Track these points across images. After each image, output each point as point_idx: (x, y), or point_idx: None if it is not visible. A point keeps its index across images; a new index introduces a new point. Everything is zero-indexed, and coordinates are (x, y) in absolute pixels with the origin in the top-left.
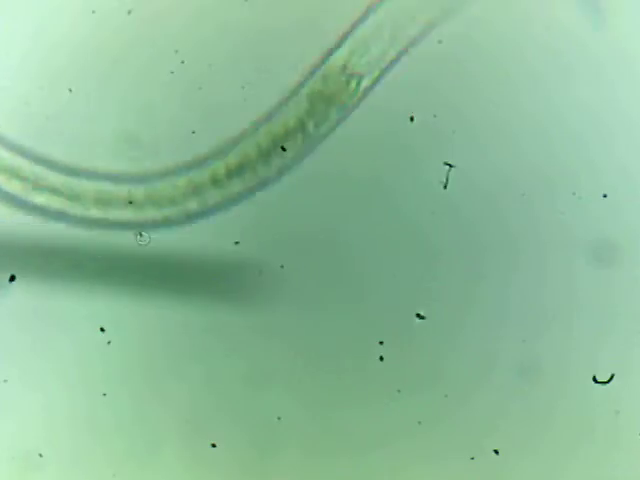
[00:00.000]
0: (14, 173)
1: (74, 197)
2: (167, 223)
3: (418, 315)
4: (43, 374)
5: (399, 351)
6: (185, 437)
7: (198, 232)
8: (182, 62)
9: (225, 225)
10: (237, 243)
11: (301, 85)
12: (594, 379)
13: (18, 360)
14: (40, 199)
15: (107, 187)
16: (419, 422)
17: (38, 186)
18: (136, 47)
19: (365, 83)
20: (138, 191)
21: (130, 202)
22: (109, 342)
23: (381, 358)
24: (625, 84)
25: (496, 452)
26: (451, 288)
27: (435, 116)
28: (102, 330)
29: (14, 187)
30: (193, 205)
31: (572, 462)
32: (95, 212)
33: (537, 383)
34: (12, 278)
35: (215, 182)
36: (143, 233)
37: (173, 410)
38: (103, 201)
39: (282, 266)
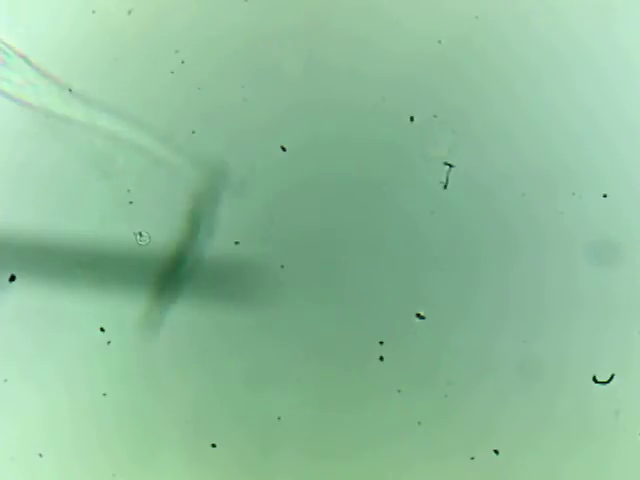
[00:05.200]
0: None
1: None
2: None
3: (418, 315)
4: (43, 374)
5: (399, 351)
6: (185, 437)
7: (198, 232)
8: (182, 62)
9: (225, 225)
10: (237, 243)
11: None
12: (594, 379)
13: (18, 360)
14: None
15: None
16: (419, 422)
17: None
18: (136, 47)
19: None
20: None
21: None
22: (109, 342)
23: (381, 358)
24: (625, 84)
25: (496, 452)
26: (451, 288)
27: (435, 116)
28: (102, 330)
29: None
30: None
31: (572, 462)
32: None
33: (537, 383)
34: (12, 278)
35: None
36: (143, 233)
37: (173, 410)
38: None
39: (282, 266)
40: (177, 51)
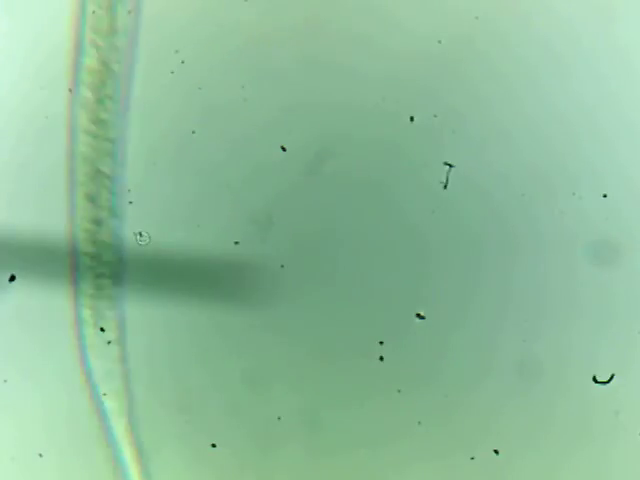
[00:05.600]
0: None
1: None
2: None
3: (418, 315)
4: (43, 374)
5: (399, 351)
6: (185, 437)
7: (198, 232)
8: (182, 62)
9: (225, 225)
10: (237, 243)
11: None
12: (594, 379)
13: (18, 360)
14: None
15: None
16: (419, 422)
17: None
18: (136, 47)
19: None
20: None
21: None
22: (109, 342)
23: (381, 358)
24: (625, 84)
25: (496, 452)
26: (451, 288)
27: (435, 116)
28: (102, 330)
29: None
30: None
31: (572, 462)
32: None
33: (537, 383)
34: (12, 278)
35: None
36: (143, 233)
37: (173, 410)
38: None
39: (282, 266)
40: (177, 51)
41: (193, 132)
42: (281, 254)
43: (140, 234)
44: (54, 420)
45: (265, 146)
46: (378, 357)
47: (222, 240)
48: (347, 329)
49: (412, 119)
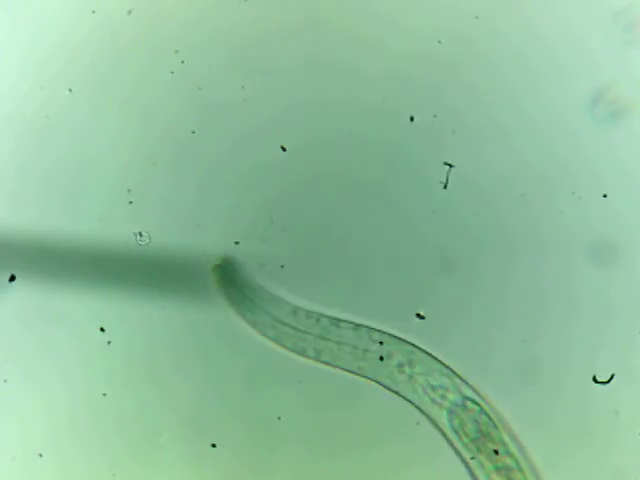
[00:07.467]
0: None
1: None
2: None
3: (418, 315)
4: (43, 374)
5: (399, 351)
6: (185, 437)
7: (198, 232)
8: (182, 62)
9: (225, 225)
10: (237, 243)
11: None
12: (594, 379)
13: (18, 360)
14: None
15: None
16: (418, 422)
17: None
18: (136, 47)
19: None
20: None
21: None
22: (109, 342)
23: (381, 358)
24: (625, 84)
25: (496, 452)
26: (451, 288)
27: (435, 116)
28: (102, 330)
29: None
30: None
31: (572, 462)
32: None
33: (537, 383)
34: (12, 278)
35: None
36: (143, 233)
37: (173, 410)
38: None
39: (282, 266)
40: (177, 51)
41: (193, 132)
42: (281, 254)
43: (140, 234)
44: (54, 420)
45: (265, 146)
46: (378, 357)
47: (222, 240)
48: (347, 329)
49: (412, 119)
